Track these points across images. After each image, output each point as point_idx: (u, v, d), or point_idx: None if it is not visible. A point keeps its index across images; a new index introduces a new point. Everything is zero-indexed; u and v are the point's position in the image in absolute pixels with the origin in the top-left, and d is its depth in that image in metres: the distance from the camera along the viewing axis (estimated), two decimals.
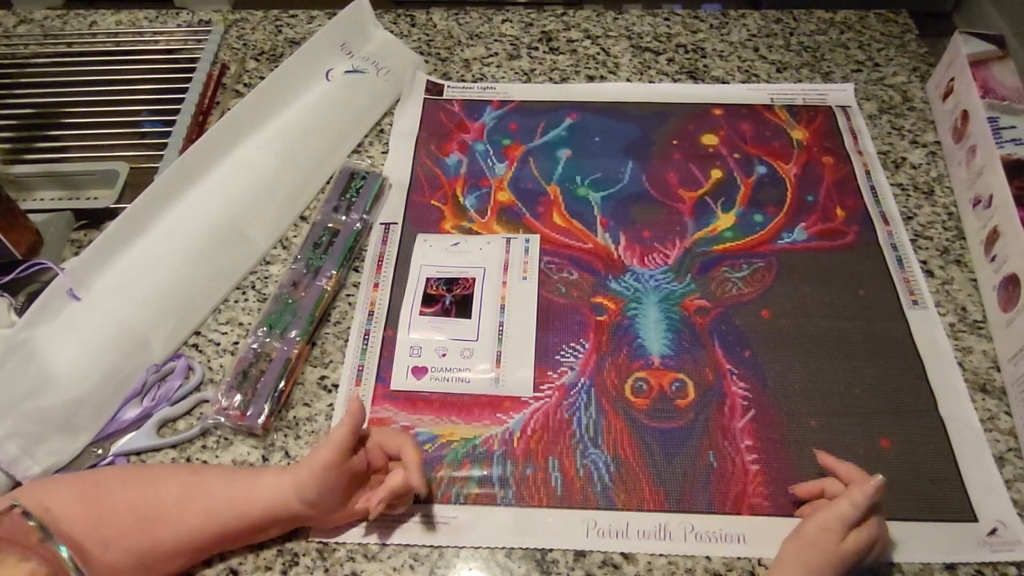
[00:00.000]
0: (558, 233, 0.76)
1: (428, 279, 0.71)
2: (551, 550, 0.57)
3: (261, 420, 0.62)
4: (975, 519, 0.58)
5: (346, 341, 0.69)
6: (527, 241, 0.75)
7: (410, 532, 0.57)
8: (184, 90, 0.88)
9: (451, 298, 0.70)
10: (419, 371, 0.66)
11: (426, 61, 0.94)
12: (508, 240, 0.75)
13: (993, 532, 0.57)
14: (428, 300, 0.70)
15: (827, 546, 0.50)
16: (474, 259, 0.73)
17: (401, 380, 0.66)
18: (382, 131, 0.87)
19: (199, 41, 0.95)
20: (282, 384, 0.64)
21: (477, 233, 0.76)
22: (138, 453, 0.62)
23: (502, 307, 0.70)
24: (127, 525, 0.51)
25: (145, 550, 0.51)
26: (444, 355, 0.67)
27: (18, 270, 0.66)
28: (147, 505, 0.52)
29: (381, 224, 0.77)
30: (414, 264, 0.73)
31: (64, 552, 0.44)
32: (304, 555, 0.56)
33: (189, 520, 0.52)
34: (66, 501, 0.50)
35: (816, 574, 0.50)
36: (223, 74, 0.92)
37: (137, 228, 0.70)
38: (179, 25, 0.98)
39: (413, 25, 0.99)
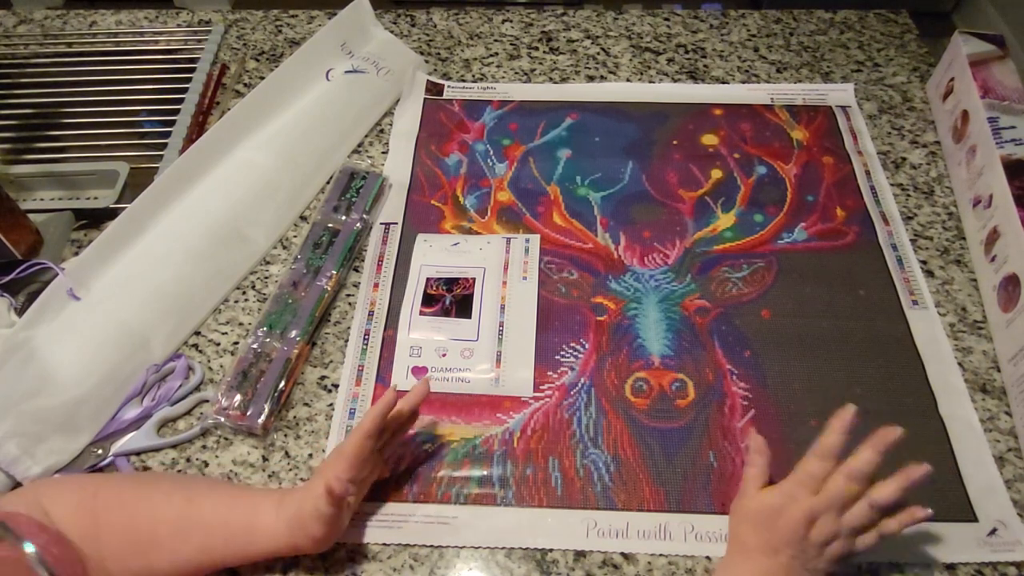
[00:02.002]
0: (558, 233, 0.76)
1: (428, 279, 0.71)
2: (551, 550, 0.57)
3: (261, 420, 0.62)
4: (975, 519, 0.58)
5: (346, 341, 0.69)
6: (527, 241, 0.75)
7: (410, 532, 0.57)
8: (184, 90, 0.88)
9: (451, 298, 0.70)
10: (419, 371, 0.66)
11: (426, 61, 0.94)
12: (508, 240, 0.75)
13: (993, 532, 0.57)
14: (428, 300, 0.70)
15: (735, 506, 0.55)
16: (474, 259, 0.73)
17: (401, 380, 0.66)
18: (382, 131, 0.87)
19: (199, 41, 0.95)
20: (282, 384, 0.64)
21: (477, 233, 0.76)
22: (138, 453, 0.62)
23: (502, 307, 0.70)
24: (123, 546, 0.50)
25: (141, 571, 0.51)
26: (444, 355, 0.67)
27: (18, 270, 0.66)
28: (142, 530, 0.51)
29: (381, 224, 0.77)
30: (414, 264, 0.73)
31: (30, 548, 0.42)
32: (304, 555, 0.56)
33: (184, 552, 0.52)
34: (66, 508, 0.50)
35: (736, 536, 0.54)
36: (223, 74, 0.92)
37: (137, 228, 0.70)
38: (179, 25, 0.99)
39: (413, 25, 0.99)
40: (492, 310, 0.69)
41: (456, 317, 0.69)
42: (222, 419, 0.62)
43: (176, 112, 0.86)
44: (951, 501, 0.58)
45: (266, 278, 0.73)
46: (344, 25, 0.90)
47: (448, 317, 0.69)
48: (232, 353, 0.68)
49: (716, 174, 0.80)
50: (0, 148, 0.83)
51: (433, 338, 0.68)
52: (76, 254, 0.69)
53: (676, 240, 0.75)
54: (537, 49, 0.96)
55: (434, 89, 0.90)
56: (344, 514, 0.54)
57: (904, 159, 0.82)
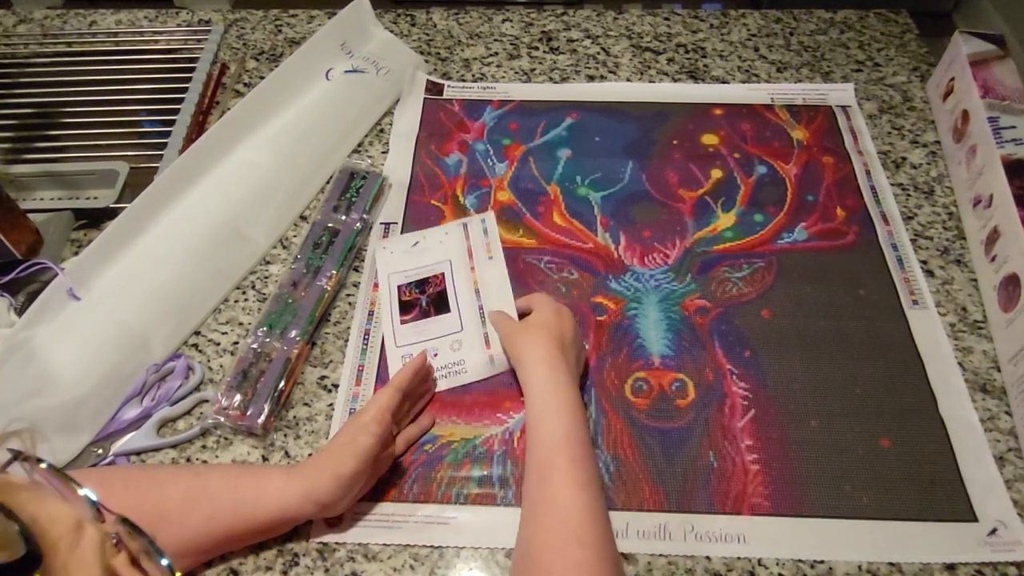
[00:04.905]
0: (558, 233, 0.76)
1: (399, 287, 0.71)
2: None
3: (261, 420, 0.62)
4: (975, 519, 0.58)
5: (346, 341, 0.69)
6: (483, 221, 0.75)
7: (410, 532, 0.57)
8: (184, 90, 0.88)
9: (426, 299, 0.70)
10: None
11: (426, 61, 0.94)
12: (465, 225, 0.74)
13: (993, 532, 0.57)
14: (405, 307, 0.70)
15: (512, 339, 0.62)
16: (437, 255, 0.73)
17: None
18: (382, 131, 0.87)
19: (199, 41, 0.95)
20: (282, 384, 0.64)
21: None
22: (138, 453, 0.62)
23: (477, 291, 0.70)
24: None
25: None
26: (436, 355, 0.67)
27: (18, 270, 0.66)
28: (150, 507, 0.52)
29: (381, 224, 0.77)
30: (381, 275, 0.72)
31: (87, 492, 0.38)
32: (304, 555, 0.56)
33: (193, 524, 0.52)
34: None
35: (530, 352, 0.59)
36: (223, 74, 0.92)
37: (137, 228, 0.70)
38: (179, 25, 0.99)
39: (413, 25, 0.99)
40: (468, 297, 0.69)
41: (436, 316, 0.69)
42: (222, 419, 0.62)
43: (176, 112, 0.86)
44: (951, 501, 0.58)
45: (266, 278, 0.73)
46: (344, 25, 0.90)
47: (428, 318, 0.69)
48: (232, 353, 0.68)
49: (716, 174, 0.80)
50: (0, 148, 0.83)
51: (421, 343, 0.67)
52: (76, 254, 0.69)
53: (676, 240, 0.75)
54: (537, 49, 0.96)
55: (434, 89, 0.90)
56: (364, 474, 0.55)
57: (904, 159, 0.82)
